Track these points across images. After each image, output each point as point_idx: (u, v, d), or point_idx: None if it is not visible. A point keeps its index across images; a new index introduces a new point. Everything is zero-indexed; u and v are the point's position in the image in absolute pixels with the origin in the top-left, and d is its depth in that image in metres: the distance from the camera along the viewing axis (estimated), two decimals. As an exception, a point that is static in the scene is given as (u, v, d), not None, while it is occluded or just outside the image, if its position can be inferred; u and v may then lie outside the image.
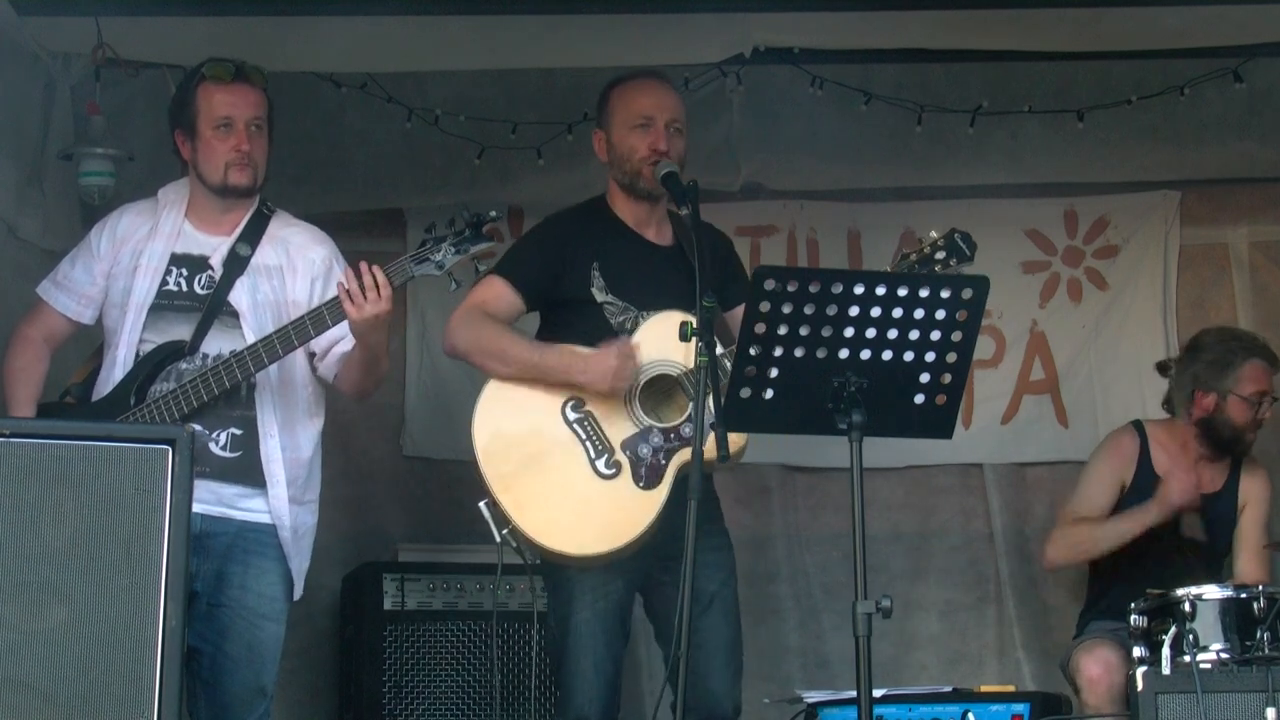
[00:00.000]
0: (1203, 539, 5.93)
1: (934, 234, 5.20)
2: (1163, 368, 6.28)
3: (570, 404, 5.14)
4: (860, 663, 4.53)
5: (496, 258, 5.54)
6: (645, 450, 5.16)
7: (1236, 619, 5.18)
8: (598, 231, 5.41)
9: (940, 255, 5.14)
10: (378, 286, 5.06)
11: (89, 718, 4.31)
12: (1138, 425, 6.17)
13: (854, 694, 4.65)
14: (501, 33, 5.91)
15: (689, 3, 5.86)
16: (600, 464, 5.15)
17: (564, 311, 5.32)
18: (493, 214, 5.20)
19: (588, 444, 5.17)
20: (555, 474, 5.15)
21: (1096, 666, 5.62)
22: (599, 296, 5.29)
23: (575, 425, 5.18)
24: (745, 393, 4.59)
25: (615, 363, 5.15)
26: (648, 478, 5.12)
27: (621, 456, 5.14)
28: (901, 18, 5.92)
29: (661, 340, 5.21)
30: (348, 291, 5.01)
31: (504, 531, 5.09)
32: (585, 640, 5.22)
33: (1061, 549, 6.13)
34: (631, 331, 5.28)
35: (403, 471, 6.82)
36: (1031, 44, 6.13)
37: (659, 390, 5.21)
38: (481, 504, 5.15)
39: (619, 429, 5.15)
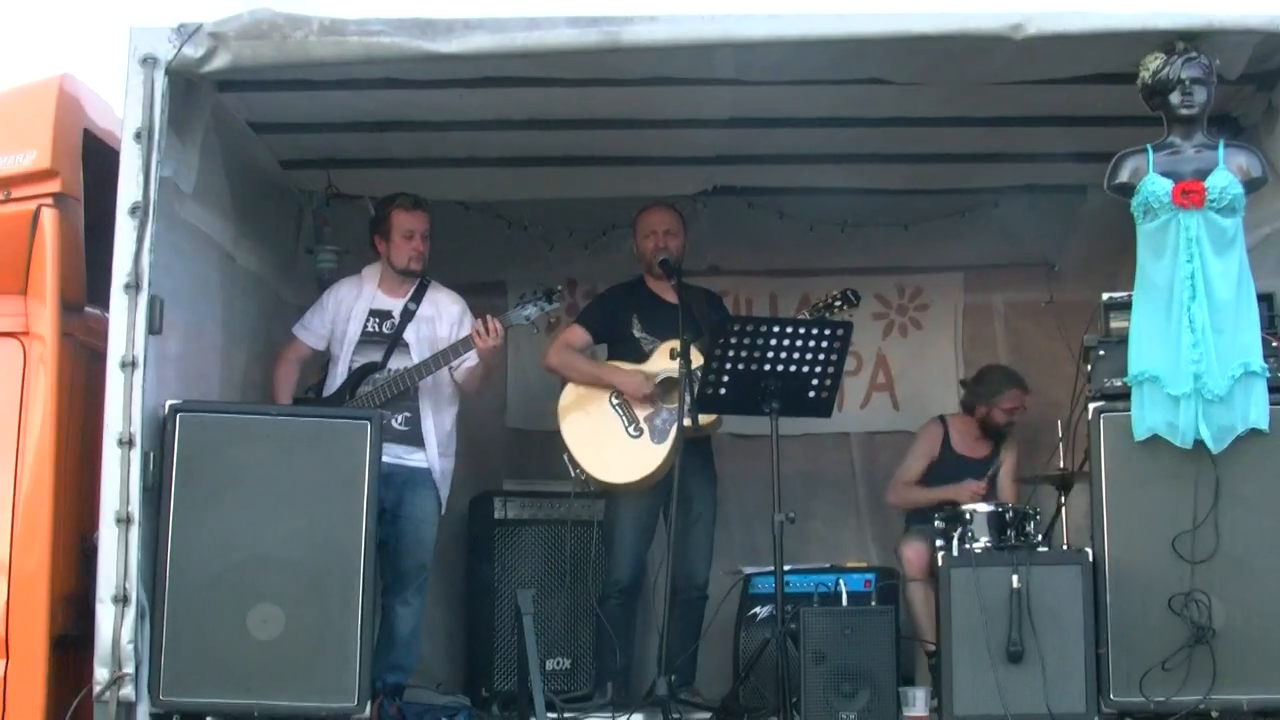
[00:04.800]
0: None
1: (834, 291, 5.96)
2: (962, 384, 7.29)
3: (613, 394, 6.33)
4: (776, 549, 5.45)
5: (571, 315, 6.55)
6: (658, 421, 6.21)
7: (996, 523, 6.05)
8: (636, 296, 6.37)
9: (838, 304, 5.94)
10: (496, 329, 6.06)
11: (323, 583, 5.12)
12: (942, 419, 7.18)
13: (773, 568, 5.53)
14: (553, 177, 6.99)
15: (670, 158, 6.79)
16: (630, 430, 6.22)
17: (619, 344, 6.40)
18: (558, 287, 6.28)
19: (623, 418, 6.25)
20: (604, 436, 6.25)
21: (912, 551, 6.64)
22: (637, 334, 6.34)
23: (616, 407, 6.28)
24: (710, 389, 5.62)
25: (638, 383, 6.16)
26: (658, 437, 6.19)
27: (644, 425, 6.20)
28: (831, 169, 6.83)
29: (669, 358, 6.19)
30: (479, 332, 6.03)
31: (575, 471, 6.26)
32: (626, 533, 6.23)
33: (894, 499, 7.11)
34: (650, 353, 6.28)
35: (506, 436, 7.76)
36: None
37: (668, 387, 6.22)
38: (565, 455, 6.28)
39: (642, 409, 6.30)
